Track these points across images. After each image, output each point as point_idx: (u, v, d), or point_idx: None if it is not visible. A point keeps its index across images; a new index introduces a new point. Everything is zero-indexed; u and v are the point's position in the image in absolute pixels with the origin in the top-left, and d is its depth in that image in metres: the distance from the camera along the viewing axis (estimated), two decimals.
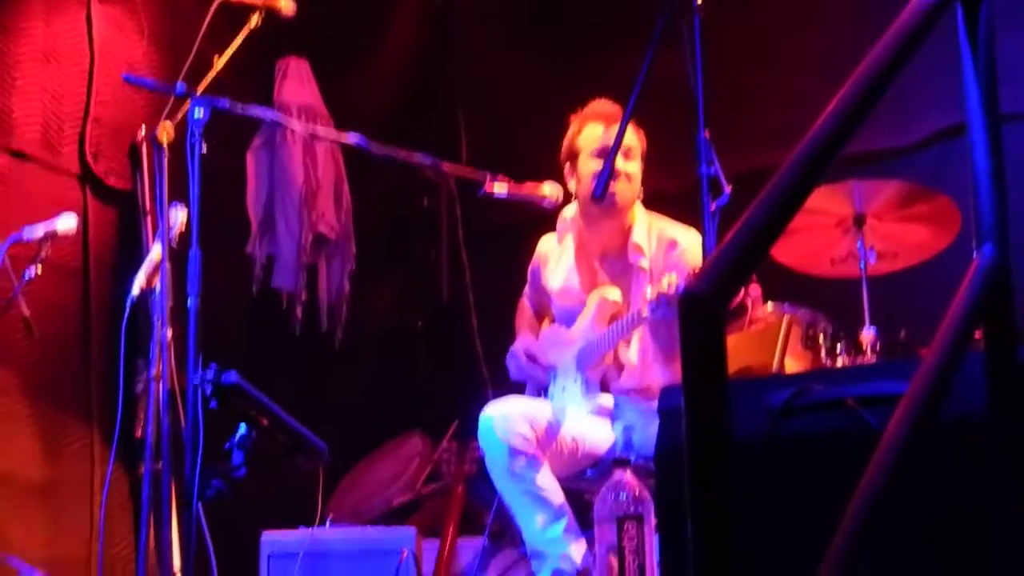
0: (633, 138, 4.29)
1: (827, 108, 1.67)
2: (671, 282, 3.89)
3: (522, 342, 4.64)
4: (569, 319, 4.48)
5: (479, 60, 6.99)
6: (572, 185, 4.38)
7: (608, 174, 3.72)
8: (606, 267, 4.43)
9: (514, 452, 4.00)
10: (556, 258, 4.57)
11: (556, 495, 4.02)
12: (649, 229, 4.36)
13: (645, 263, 4.27)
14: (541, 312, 4.71)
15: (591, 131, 4.37)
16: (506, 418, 4.04)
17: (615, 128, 4.25)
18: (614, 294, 4.31)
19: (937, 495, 2.18)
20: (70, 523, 4.92)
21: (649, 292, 3.98)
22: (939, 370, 1.76)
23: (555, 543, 3.96)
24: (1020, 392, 1.95)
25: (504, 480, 4.04)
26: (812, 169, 1.60)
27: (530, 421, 4.05)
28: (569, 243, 4.51)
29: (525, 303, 4.79)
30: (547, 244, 4.66)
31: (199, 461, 3.48)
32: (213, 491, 3.50)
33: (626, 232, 4.37)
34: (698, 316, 1.46)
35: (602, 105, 4.39)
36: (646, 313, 3.99)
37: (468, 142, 6.90)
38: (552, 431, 4.13)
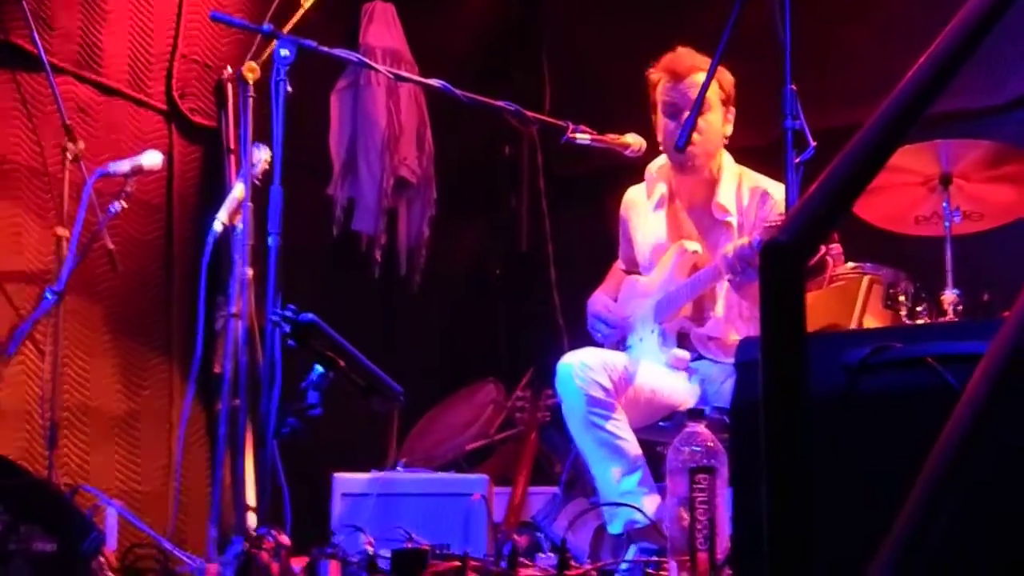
0: (710, 89, 4.23)
1: (916, 63, 1.64)
2: (747, 242, 3.87)
3: (599, 298, 4.62)
4: (652, 272, 4.46)
5: (566, 7, 6.95)
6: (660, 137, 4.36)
7: (691, 126, 3.68)
8: (694, 219, 4.40)
9: (592, 400, 3.98)
10: (644, 210, 4.53)
11: (632, 446, 4.00)
12: (740, 183, 4.31)
13: (732, 220, 4.23)
14: (634, 267, 4.67)
15: (661, 87, 4.34)
16: (585, 366, 4.02)
17: (684, 83, 4.24)
18: (693, 245, 4.28)
19: (1017, 458, 2.15)
20: (148, 456, 5.01)
21: (728, 248, 3.96)
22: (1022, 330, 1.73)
23: (629, 495, 3.95)
24: None
25: (580, 429, 4.03)
26: (898, 126, 1.57)
27: (608, 370, 4.04)
28: (657, 196, 4.48)
29: (618, 267, 4.74)
30: (635, 194, 4.62)
31: (276, 399, 3.51)
32: (288, 429, 3.53)
33: (712, 185, 4.33)
34: (779, 268, 1.45)
35: (675, 58, 4.33)
36: (721, 266, 3.97)
37: (552, 91, 6.88)
38: (629, 381, 4.11)
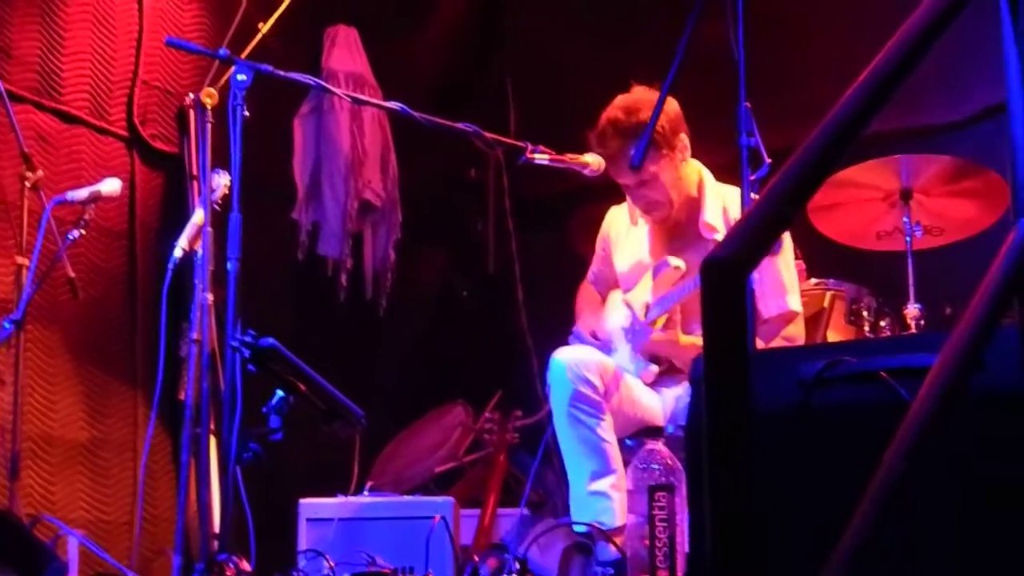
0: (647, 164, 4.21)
1: (858, 78, 1.65)
2: None
3: (586, 323, 4.62)
4: (634, 287, 4.46)
5: (530, 29, 6.97)
6: None
7: (645, 147, 3.66)
8: (678, 237, 4.39)
9: (580, 397, 4.01)
10: (627, 229, 4.54)
11: (612, 449, 4.03)
12: (725, 203, 4.31)
13: (719, 237, 4.23)
14: (609, 287, 4.67)
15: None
16: (579, 363, 4.05)
17: (613, 167, 4.25)
18: (676, 261, 4.27)
19: (967, 468, 2.16)
20: (113, 485, 4.97)
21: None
22: (970, 342, 1.73)
23: (599, 496, 3.97)
24: None
25: (563, 423, 4.05)
26: (835, 145, 1.58)
27: (600, 371, 4.07)
28: (642, 222, 4.47)
29: (589, 285, 4.75)
30: (617, 213, 4.62)
31: (236, 424, 3.50)
32: (250, 455, 3.52)
33: (695, 208, 4.34)
34: (720, 283, 1.45)
35: (598, 132, 4.31)
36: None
37: (517, 114, 6.89)
38: (618, 387, 4.13)
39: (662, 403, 4.27)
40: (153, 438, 4.63)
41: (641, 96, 4.24)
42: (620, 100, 4.28)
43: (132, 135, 5.19)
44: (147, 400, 4.96)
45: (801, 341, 4.17)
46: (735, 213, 4.25)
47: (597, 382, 4.04)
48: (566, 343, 4.50)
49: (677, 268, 4.25)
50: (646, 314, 4.27)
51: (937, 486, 2.08)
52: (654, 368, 4.28)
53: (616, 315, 4.49)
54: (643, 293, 4.36)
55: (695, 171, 4.37)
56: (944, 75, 5.49)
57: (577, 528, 4.00)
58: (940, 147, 4.97)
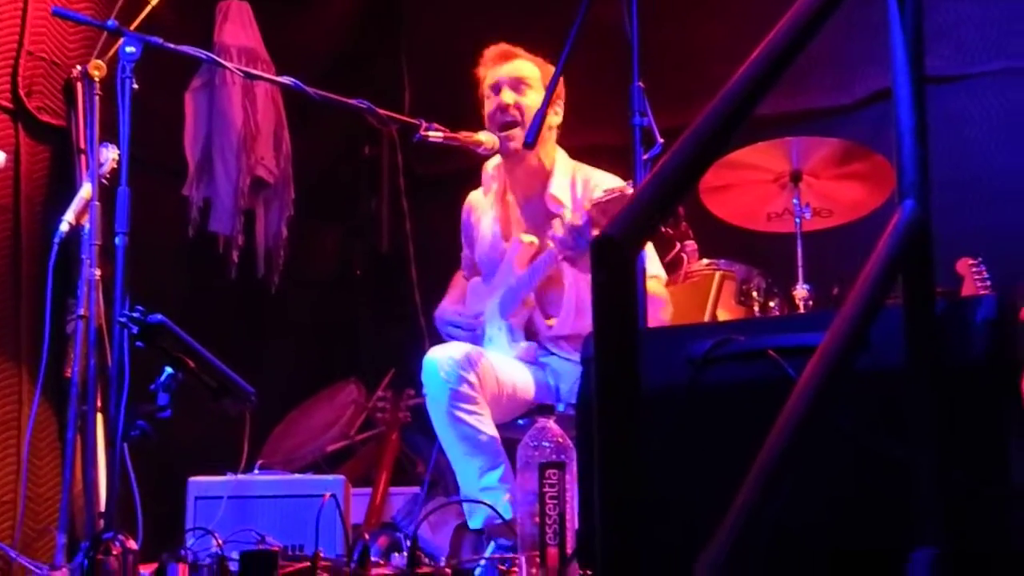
0: (527, 69, 4.32)
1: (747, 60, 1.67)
2: (577, 216, 3.89)
3: (447, 308, 4.65)
4: (494, 270, 4.48)
5: (426, 7, 6.95)
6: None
7: (540, 122, 3.68)
8: (528, 212, 4.42)
9: (456, 395, 3.98)
10: (484, 209, 4.57)
11: (494, 442, 4.01)
12: (573, 177, 4.35)
13: (565, 212, 4.25)
14: (476, 274, 4.69)
15: (487, 75, 4.41)
16: (451, 361, 4.02)
17: (506, 65, 4.35)
18: (529, 238, 4.30)
19: (851, 446, 2.20)
20: None
21: (556, 226, 3.98)
22: (855, 321, 1.76)
23: (490, 490, 3.96)
24: (936, 344, 1.96)
25: (444, 424, 4.02)
26: (728, 120, 1.60)
27: (474, 365, 4.03)
28: (493, 194, 4.51)
29: (460, 277, 4.77)
30: (474, 196, 4.66)
31: (124, 401, 3.45)
32: (138, 432, 3.47)
33: (545, 179, 4.37)
34: (610, 261, 1.45)
35: (496, 48, 4.43)
36: (556, 247, 4.00)
37: (411, 90, 6.87)
38: (493, 378, 4.11)
39: (545, 383, 4.29)
40: (38, 416, 4.55)
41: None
42: None
43: (17, 107, 5.06)
44: (32, 377, 4.87)
45: (666, 300, 4.19)
46: (582, 189, 4.29)
47: (471, 376, 4.01)
48: None
49: (532, 243, 4.28)
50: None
51: (822, 462, 2.11)
52: (530, 345, 4.30)
53: (485, 301, 4.49)
54: (503, 275, 4.38)
55: (554, 148, 4.40)
56: (834, 59, 5.57)
57: (473, 524, 4.00)
58: (829, 130, 5.06)
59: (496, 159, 4.47)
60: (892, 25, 2.01)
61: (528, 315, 4.33)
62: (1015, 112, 5.42)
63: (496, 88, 4.34)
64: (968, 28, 5.48)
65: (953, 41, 5.45)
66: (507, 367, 4.22)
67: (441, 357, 4.05)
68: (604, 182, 4.23)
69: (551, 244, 4.05)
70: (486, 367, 4.09)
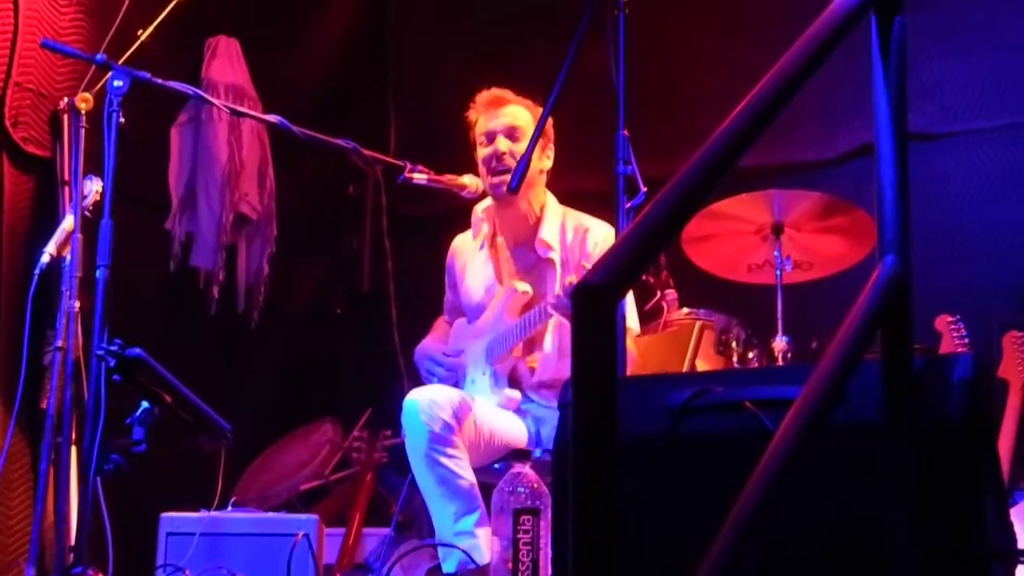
0: (521, 115, 4.34)
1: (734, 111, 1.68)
2: (575, 281, 3.91)
3: (429, 344, 4.64)
4: (480, 312, 4.48)
5: (413, 48, 6.97)
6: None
7: (524, 167, 3.70)
8: (517, 257, 4.44)
9: (435, 438, 3.95)
10: (472, 253, 4.57)
11: (473, 487, 3.99)
12: (563, 222, 4.37)
13: (555, 256, 4.27)
14: (458, 318, 4.69)
15: (479, 121, 4.43)
16: (432, 403, 4.00)
17: (499, 111, 4.36)
18: (523, 286, 4.31)
19: (828, 500, 2.19)
20: None
21: (558, 287, 4.00)
22: (833, 375, 1.77)
23: (465, 535, 3.94)
24: (913, 400, 1.97)
25: (422, 466, 3.99)
26: (712, 170, 1.60)
27: (454, 409, 4.02)
28: (482, 236, 4.52)
29: (442, 320, 4.78)
30: (461, 240, 4.67)
31: (99, 434, 3.44)
32: (112, 466, 3.45)
33: (535, 224, 4.39)
34: (590, 309, 1.45)
35: (490, 93, 4.44)
36: (550, 307, 4.01)
37: (397, 131, 6.89)
38: (472, 421, 4.10)
39: (524, 428, 4.28)
40: (11, 446, 4.52)
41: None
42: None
43: (2, 137, 5.06)
44: (7, 407, 4.83)
45: (635, 356, 4.20)
46: (572, 234, 4.32)
47: (451, 419, 3.99)
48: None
49: (525, 293, 4.29)
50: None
51: (797, 515, 2.11)
52: (514, 394, 4.30)
53: (469, 344, 4.49)
54: (493, 321, 4.38)
55: (544, 192, 4.42)
56: (819, 113, 5.61)
57: (446, 569, 3.98)
58: (812, 183, 5.07)
59: (486, 201, 4.49)
60: (876, 82, 2.03)
61: (513, 363, 4.33)
62: (996, 171, 5.46)
63: (491, 136, 4.35)
64: (951, 87, 5.53)
65: (936, 99, 5.51)
66: (488, 412, 4.21)
67: (422, 399, 4.03)
68: (594, 227, 4.26)
69: (550, 301, 4.06)
70: (466, 411, 4.08)
